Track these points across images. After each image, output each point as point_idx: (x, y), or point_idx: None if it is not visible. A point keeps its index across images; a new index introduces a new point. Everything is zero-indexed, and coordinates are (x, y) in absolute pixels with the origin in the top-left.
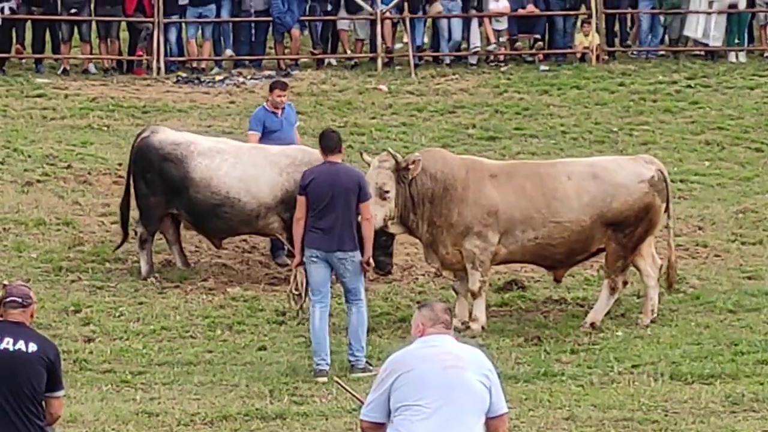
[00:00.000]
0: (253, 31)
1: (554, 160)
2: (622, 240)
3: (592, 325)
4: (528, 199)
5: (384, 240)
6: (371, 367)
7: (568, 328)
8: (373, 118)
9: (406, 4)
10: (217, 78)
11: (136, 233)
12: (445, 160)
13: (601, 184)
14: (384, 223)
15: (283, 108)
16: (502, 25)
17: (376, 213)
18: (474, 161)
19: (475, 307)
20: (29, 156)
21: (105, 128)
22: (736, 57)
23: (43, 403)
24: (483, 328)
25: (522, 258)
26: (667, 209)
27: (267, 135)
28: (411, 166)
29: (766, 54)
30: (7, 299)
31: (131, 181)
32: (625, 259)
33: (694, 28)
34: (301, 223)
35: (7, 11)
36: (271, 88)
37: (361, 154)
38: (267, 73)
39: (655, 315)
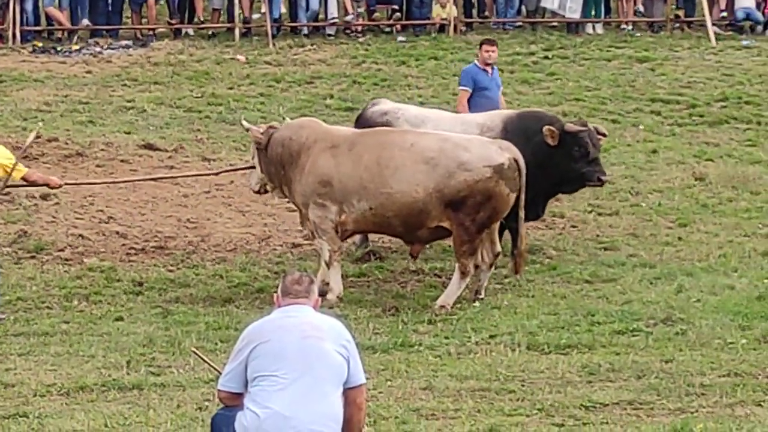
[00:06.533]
0: (109, 1)
1: (409, 129)
2: (464, 222)
3: (443, 307)
4: (363, 169)
5: (577, 150)
6: None
7: (426, 299)
8: (231, 88)
9: None
10: (74, 48)
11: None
12: (299, 129)
13: (443, 159)
14: (259, 188)
15: (492, 68)
16: None
17: (250, 179)
18: (326, 131)
19: (329, 277)
20: None
21: None
22: (593, 29)
23: None
24: (339, 297)
25: (368, 228)
26: (518, 199)
27: (477, 92)
28: (256, 137)
29: (623, 26)
30: None
31: None
32: (470, 243)
33: (551, 0)
34: None
35: None
36: (480, 45)
37: (241, 121)
38: (124, 43)
39: (477, 297)
